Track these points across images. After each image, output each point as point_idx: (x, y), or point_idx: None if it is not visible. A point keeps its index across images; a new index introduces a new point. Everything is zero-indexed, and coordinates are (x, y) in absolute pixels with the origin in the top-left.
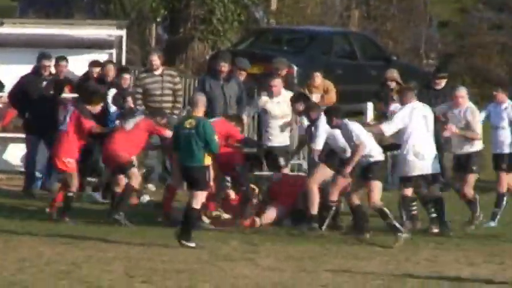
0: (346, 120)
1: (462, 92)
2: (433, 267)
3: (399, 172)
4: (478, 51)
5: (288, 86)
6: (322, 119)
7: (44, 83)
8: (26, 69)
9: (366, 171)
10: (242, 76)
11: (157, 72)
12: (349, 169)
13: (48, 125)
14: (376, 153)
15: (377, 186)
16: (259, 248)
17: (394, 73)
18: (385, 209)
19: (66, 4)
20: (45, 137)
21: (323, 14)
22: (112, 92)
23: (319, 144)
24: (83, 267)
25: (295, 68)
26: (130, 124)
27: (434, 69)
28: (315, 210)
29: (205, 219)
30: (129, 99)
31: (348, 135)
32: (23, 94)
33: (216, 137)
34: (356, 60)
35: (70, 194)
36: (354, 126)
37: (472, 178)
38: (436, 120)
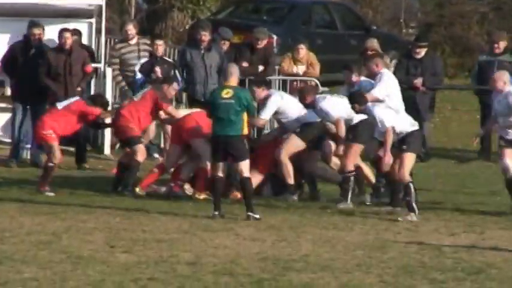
0: (317, 98)
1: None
2: (414, 237)
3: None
4: (458, 21)
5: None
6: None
7: (33, 50)
8: (5, 38)
9: (400, 143)
10: (225, 46)
11: (132, 42)
12: (341, 149)
13: (35, 94)
14: (406, 125)
15: (408, 158)
16: (239, 218)
17: (374, 43)
18: (412, 186)
19: None
20: (32, 107)
21: None
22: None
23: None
24: (63, 237)
25: (275, 38)
26: (138, 95)
27: (414, 39)
28: (291, 180)
29: (187, 188)
30: (158, 68)
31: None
32: (13, 61)
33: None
34: (336, 30)
35: (50, 165)
36: (325, 104)
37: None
38: (417, 89)
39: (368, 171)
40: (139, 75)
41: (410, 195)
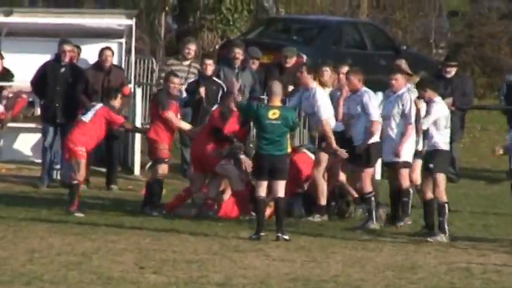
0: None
1: None
2: (443, 258)
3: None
4: (488, 41)
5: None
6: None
7: (63, 69)
8: (36, 58)
9: (428, 161)
10: (254, 65)
11: (186, 63)
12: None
13: (65, 113)
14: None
15: (441, 178)
16: (268, 238)
17: (402, 63)
18: (447, 206)
19: None
20: (62, 127)
21: (332, 4)
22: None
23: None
24: (93, 258)
25: (305, 58)
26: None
27: (444, 58)
28: (324, 200)
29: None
30: (202, 89)
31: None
32: (43, 81)
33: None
34: (366, 50)
35: (76, 182)
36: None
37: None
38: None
39: (349, 187)
40: (184, 94)
41: (444, 216)
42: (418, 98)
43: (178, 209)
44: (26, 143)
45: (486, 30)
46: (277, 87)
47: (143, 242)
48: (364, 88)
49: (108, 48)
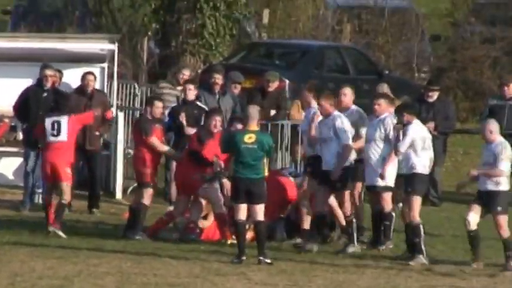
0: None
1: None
2: (425, 281)
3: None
4: (470, 65)
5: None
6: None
7: (45, 94)
8: (18, 83)
9: (406, 185)
10: (236, 90)
11: (179, 88)
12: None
13: None
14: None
15: (416, 201)
16: (250, 261)
17: (384, 87)
18: (421, 227)
19: (58, 18)
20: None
21: (315, 28)
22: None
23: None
24: (75, 281)
25: (287, 82)
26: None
27: (427, 82)
28: (307, 225)
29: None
30: (183, 114)
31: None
32: (25, 106)
33: None
34: (348, 74)
35: (64, 202)
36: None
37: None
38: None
39: (340, 213)
40: (167, 119)
41: (420, 236)
42: (397, 123)
43: (160, 232)
44: (9, 167)
45: (469, 54)
46: (254, 111)
47: (125, 266)
48: (337, 112)
49: (91, 72)
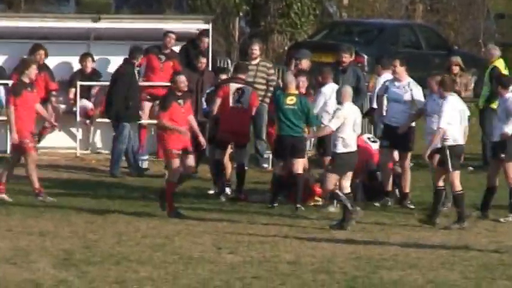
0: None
1: None
2: (493, 237)
3: None
4: None
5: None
6: None
7: (136, 72)
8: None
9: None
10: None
11: (254, 62)
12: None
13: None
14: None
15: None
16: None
17: (458, 59)
18: (462, 196)
19: (157, 1)
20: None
21: (390, 8)
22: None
23: None
24: (175, 240)
25: (366, 57)
26: None
27: None
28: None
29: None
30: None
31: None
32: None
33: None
34: (421, 49)
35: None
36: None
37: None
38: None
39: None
40: (204, 105)
41: (461, 204)
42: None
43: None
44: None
45: None
46: (290, 77)
47: (220, 225)
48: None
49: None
